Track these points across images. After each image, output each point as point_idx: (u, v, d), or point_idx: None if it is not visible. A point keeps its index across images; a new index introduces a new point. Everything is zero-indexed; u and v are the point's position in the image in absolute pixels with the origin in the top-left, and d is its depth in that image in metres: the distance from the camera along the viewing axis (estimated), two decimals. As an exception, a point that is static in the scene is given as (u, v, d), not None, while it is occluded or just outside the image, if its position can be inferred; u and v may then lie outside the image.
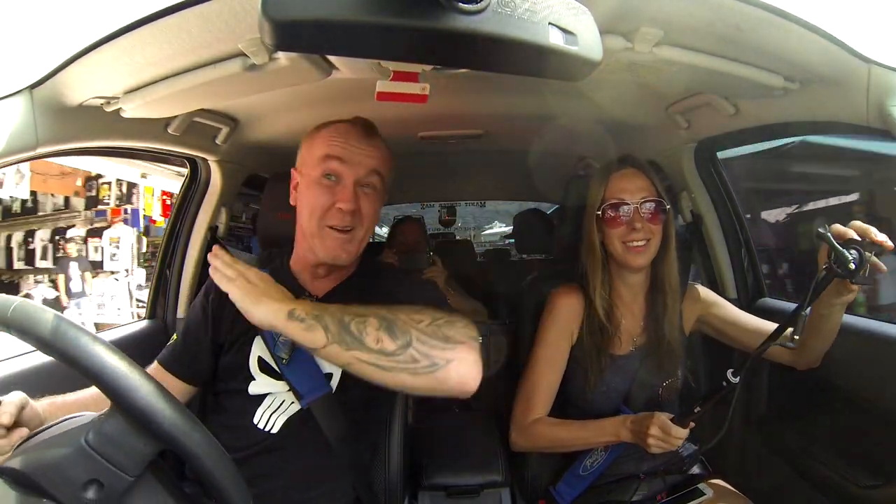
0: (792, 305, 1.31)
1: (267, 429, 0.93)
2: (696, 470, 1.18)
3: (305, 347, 0.76)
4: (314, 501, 0.95)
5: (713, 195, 1.43)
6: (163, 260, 1.50)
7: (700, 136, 1.33)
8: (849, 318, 1.07)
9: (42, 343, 0.54)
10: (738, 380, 0.89)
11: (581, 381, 1.14)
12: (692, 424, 0.97)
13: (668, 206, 1.11)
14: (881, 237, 0.80)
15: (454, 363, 0.75)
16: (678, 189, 1.51)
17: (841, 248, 0.79)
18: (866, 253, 0.79)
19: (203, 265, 1.45)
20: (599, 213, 1.11)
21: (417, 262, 1.83)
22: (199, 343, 0.99)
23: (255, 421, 0.93)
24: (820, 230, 0.81)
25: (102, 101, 0.91)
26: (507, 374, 1.81)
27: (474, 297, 2.03)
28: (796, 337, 0.85)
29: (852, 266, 0.79)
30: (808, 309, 0.84)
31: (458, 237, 5.97)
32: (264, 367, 0.95)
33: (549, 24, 0.52)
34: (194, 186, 1.47)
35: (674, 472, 1.15)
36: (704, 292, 1.21)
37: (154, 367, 0.99)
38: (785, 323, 0.87)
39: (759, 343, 1.03)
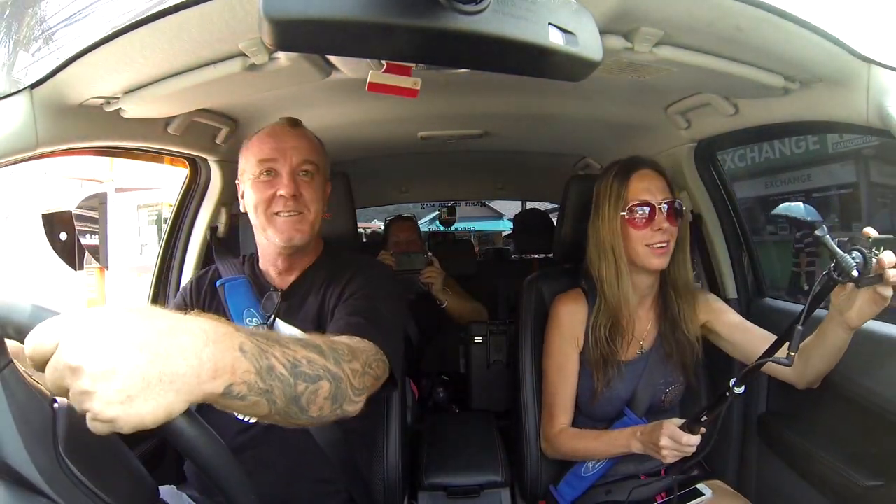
0: (792, 305, 1.32)
1: (245, 419, 0.93)
2: (695, 470, 1.17)
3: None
4: (302, 498, 0.96)
5: (713, 195, 1.42)
6: (163, 260, 1.50)
7: (700, 136, 1.33)
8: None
9: None
10: (742, 390, 0.86)
11: (586, 388, 1.15)
12: (703, 430, 0.97)
13: (683, 208, 1.12)
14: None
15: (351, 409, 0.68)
16: (678, 189, 1.50)
17: (842, 253, 0.71)
18: (868, 252, 0.70)
19: (203, 266, 1.45)
20: (625, 213, 1.10)
21: (414, 263, 1.82)
22: None
23: (235, 414, 0.93)
24: (818, 233, 0.72)
25: (102, 101, 0.91)
26: (507, 373, 1.81)
27: (474, 297, 2.03)
28: (792, 353, 0.76)
29: (855, 273, 0.70)
30: (802, 324, 0.75)
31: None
32: None
33: (549, 24, 0.52)
34: (194, 186, 1.47)
35: (673, 473, 1.15)
36: (712, 298, 1.21)
37: None
38: (782, 337, 0.81)
39: (762, 351, 1.04)
